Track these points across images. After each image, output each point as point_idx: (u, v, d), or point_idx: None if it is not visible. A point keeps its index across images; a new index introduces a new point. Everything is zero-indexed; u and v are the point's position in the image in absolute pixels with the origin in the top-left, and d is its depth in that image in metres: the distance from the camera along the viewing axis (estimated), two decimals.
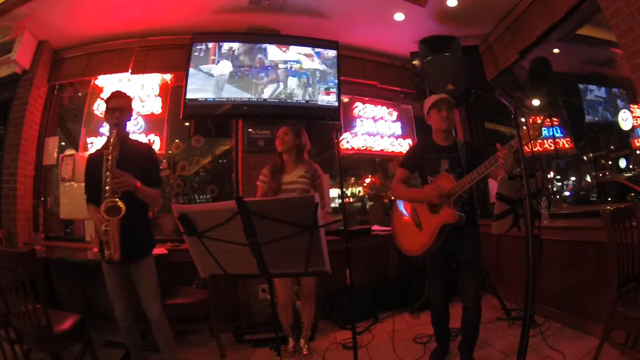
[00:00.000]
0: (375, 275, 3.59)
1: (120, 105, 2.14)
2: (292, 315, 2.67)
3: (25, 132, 3.58)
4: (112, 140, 2.00)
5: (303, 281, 2.62)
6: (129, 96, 2.25)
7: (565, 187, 6.45)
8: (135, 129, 3.74)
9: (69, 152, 3.87)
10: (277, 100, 3.62)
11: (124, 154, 2.07)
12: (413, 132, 4.58)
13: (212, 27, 3.67)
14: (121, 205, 1.91)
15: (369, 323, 3.12)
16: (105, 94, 3.80)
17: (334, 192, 4.59)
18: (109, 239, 1.93)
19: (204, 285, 2.74)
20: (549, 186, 5.97)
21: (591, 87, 5.43)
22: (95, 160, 2.12)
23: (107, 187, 1.92)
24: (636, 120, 5.40)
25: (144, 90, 3.85)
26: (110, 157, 1.95)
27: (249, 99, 3.56)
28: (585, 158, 6.27)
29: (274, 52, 3.68)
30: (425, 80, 3.63)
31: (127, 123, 2.21)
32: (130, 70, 3.75)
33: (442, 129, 2.22)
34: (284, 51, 3.70)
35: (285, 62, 3.69)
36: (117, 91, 2.26)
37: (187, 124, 3.88)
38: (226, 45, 3.60)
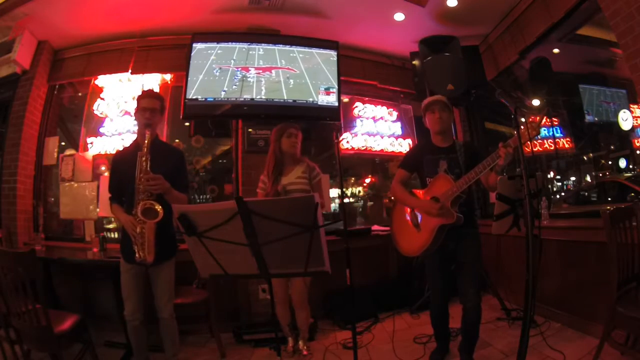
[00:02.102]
0: (375, 275, 3.59)
1: (152, 106, 2.12)
2: (289, 313, 2.66)
3: (25, 132, 3.58)
4: (147, 142, 1.99)
5: (293, 289, 2.54)
6: (161, 97, 2.23)
7: (565, 187, 6.45)
8: (136, 129, 3.74)
9: (69, 152, 3.88)
10: (277, 100, 3.61)
11: (154, 156, 2.04)
12: (413, 132, 4.58)
13: (212, 27, 3.66)
14: (158, 209, 1.92)
15: (369, 323, 3.12)
16: (106, 94, 3.82)
17: (334, 192, 4.58)
18: (144, 242, 1.93)
19: (204, 285, 2.74)
20: (549, 186, 5.97)
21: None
22: (122, 160, 2.13)
23: (140, 187, 1.93)
24: (636, 120, 5.40)
25: None
26: (144, 159, 1.96)
27: (249, 99, 3.56)
28: (585, 158, 6.27)
29: (273, 52, 3.68)
30: (425, 80, 3.63)
31: (159, 124, 2.20)
32: (130, 70, 3.75)
33: (436, 130, 2.24)
34: (284, 51, 3.70)
35: (285, 62, 3.69)
36: (150, 90, 2.25)
37: (187, 124, 3.88)
38: (226, 45, 3.60)
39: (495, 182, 1.98)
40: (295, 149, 2.55)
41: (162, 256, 2.08)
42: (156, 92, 2.25)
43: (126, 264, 2.09)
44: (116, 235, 3.77)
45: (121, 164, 2.14)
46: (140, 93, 2.22)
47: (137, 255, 1.95)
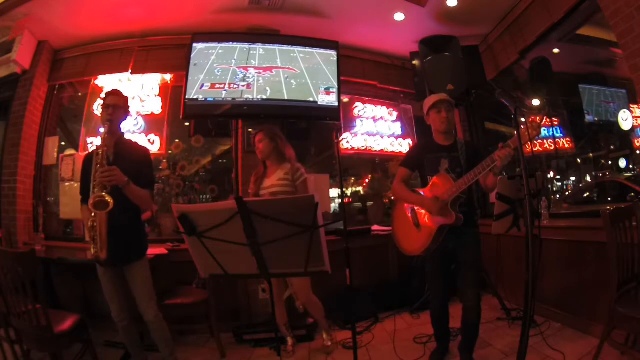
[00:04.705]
0: (375, 275, 3.59)
1: (114, 103, 2.15)
2: (285, 313, 2.67)
3: (25, 132, 3.57)
4: (103, 135, 2.02)
5: (294, 289, 2.58)
6: (125, 95, 2.25)
7: (565, 187, 6.46)
8: (135, 129, 3.73)
9: (69, 152, 3.87)
10: (278, 100, 3.61)
11: (118, 154, 2.08)
12: (413, 132, 4.58)
13: (212, 27, 3.66)
14: (109, 200, 1.87)
15: (369, 323, 3.12)
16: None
17: (334, 192, 4.58)
18: (96, 235, 1.91)
19: (204, 285, 2.74)
20: (549, 186, 5.97)
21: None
22: (89, 161, 2.11)
23: (95, 182, 1.91)
24: (636, 120, 5.41)
25: (144, 90, 3.84)
26: (100, 152, 1.96)
27: (249, 99, 3.56)
28: (585, 158, 6.28)
29: (274, 52, 3.68)
30: (425, 80, 3.63)
31: (122, 122, 2.22)
32: (130, 70, 3.75)
33: (442, 130, 2.23)
34: (284, 51, 3.70)
35: (285, 62, 3.69)
36: (114, 89, 2.28)
37: (187, 124, 3.87)
38: (226, 46, 3.60)
39: (493, 183, 1.98)
40: (264, 154, 2.57)
41: (132, 256, 2.08)
42: (119, 91, 2.26)
43: (100, 268, 2.09)
44: None
45: (88, 165, 2.10)
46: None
47: (92, 251, 1.92)
